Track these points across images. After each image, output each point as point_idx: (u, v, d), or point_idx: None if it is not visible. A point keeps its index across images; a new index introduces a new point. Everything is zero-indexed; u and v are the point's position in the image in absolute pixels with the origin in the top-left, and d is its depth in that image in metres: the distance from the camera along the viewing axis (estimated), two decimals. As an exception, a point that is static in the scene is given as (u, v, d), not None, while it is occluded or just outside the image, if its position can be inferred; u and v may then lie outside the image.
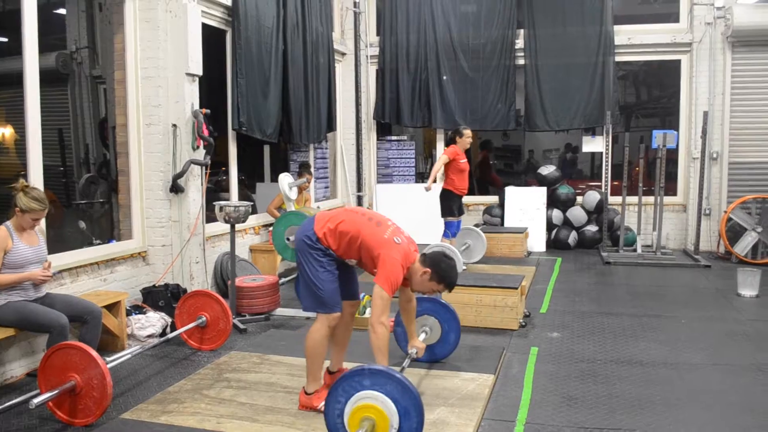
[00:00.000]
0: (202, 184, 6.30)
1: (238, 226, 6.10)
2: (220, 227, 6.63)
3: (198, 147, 6.20)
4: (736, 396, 4.19)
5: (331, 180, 10.37)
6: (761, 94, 9.25)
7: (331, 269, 3.81)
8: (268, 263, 7.44)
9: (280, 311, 6.10)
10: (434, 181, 7.57)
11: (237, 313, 5.73)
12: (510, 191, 10.07)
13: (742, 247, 8.67)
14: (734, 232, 8.82)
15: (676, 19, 9.79)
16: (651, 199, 9.14)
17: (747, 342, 5.32)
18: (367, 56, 10.59)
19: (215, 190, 8.36)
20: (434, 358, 4.70)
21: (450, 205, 7.71)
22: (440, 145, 10.55)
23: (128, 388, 4.33)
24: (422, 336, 4.48)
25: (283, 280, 6.75)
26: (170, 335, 4.94)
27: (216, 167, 7.78)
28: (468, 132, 7.78)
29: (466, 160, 7.79)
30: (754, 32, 8.99)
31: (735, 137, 9.39)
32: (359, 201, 10.55)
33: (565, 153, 12.99)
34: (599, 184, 10.06)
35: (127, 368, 4.65)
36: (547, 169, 10.24)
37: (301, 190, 7.84)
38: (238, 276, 6.07)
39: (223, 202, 5.78)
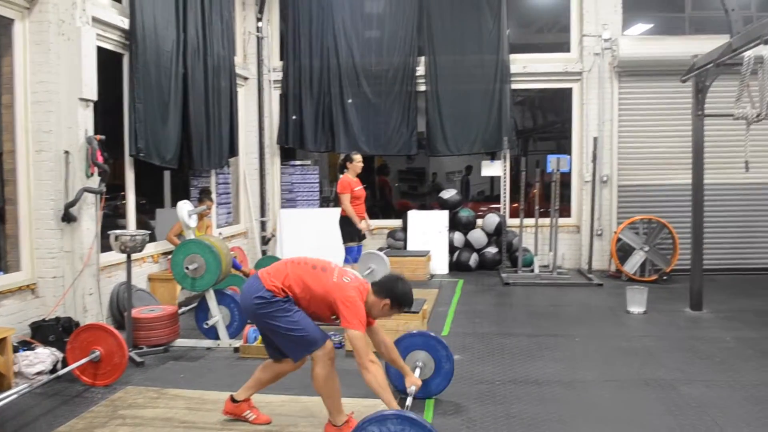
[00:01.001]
0: (96, 212, 6.09)
1: (135, 255, 5.92)
2: (117, 256, 6.41)
3: (92, 174, 6.00)
4: (625, 411, 4.40)
5: (234, 205, 10.22)
6: (646, 121, 9.85)
7: (298, 308, 3.81)
8: (167, 292, 7.24)
9: (180, 342, 5.93)
10: (363, 219, 7.84)
11: (134, 346, 5.53)
12: (413, 215, 10.24)
13: (631, 265, 9.12)
14: (624, 252, 9.29)
15: (568, 49, 10.29)
16: (547, 220, 9.51)
17: (635, 358, 5.61)
18: (270, 81, 10.54)
19: (113, 215, 8.07)
20: (430, 393, 4.58)
21: (350, 230, 7.79)
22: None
23: (14, 430, 4.10)
24: (417, 372, 4.44)
25: (183, 309, 6.57)
26: (61, 372, 4.72)
27: (114, 191, 7.54)
28: (358, 157, 7.91)
29: (361, 187, 7.91)
30: (639, 63, 9.58)
31: (623, 161, 9.93)
32: (263, 226, 10.45)
33: (467, 175, 13.35)
34: (499, 206, 10.39)
35: (14, 409, 4.39)
36: (449, 193, 10.48)
37: (201, 216, 7.69)
38: (136, 307, 5.86)
39: (118, 231, 5.58)
